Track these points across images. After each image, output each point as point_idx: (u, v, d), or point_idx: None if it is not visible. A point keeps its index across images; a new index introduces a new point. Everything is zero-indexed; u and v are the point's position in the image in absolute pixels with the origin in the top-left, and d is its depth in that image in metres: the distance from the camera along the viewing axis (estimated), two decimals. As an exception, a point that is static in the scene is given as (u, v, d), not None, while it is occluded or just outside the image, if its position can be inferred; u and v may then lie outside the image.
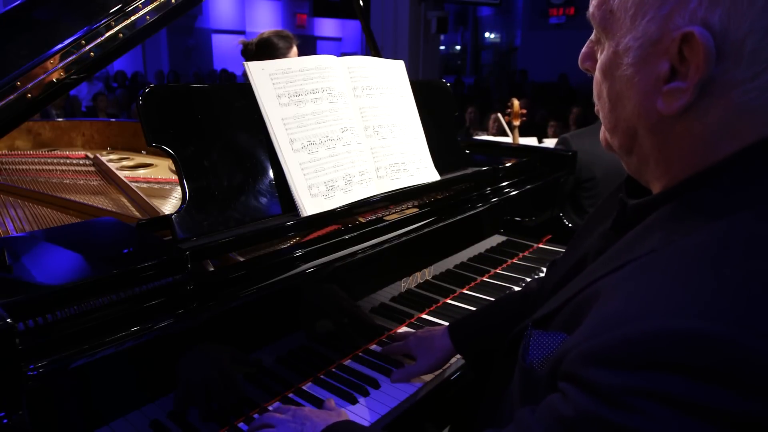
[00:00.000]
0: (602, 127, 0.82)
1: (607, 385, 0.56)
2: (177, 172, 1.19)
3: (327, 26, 18.42)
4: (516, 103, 3.38)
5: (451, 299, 1.66)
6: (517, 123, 3.38)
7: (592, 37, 0.78)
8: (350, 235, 1.32)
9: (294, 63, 1.41)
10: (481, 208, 1.72)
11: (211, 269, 1.14)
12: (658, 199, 0.72)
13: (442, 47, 15.54)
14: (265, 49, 2.68)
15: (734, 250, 0.59)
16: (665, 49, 0.64)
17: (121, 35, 1.49)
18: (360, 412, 1.15)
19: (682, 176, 0.69)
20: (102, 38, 1.45)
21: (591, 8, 0.74)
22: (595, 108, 0.82)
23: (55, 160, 2.15)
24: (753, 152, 0.64)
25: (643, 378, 0.54)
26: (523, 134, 4.48)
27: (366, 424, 1.12)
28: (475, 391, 1.28)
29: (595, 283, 0.71)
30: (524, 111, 3.43)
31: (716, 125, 0.65)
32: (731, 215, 0.62)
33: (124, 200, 1.71)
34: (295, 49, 2.75)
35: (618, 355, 0.56)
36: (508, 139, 3.61)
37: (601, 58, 0.74)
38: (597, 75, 0.76)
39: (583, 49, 0.80)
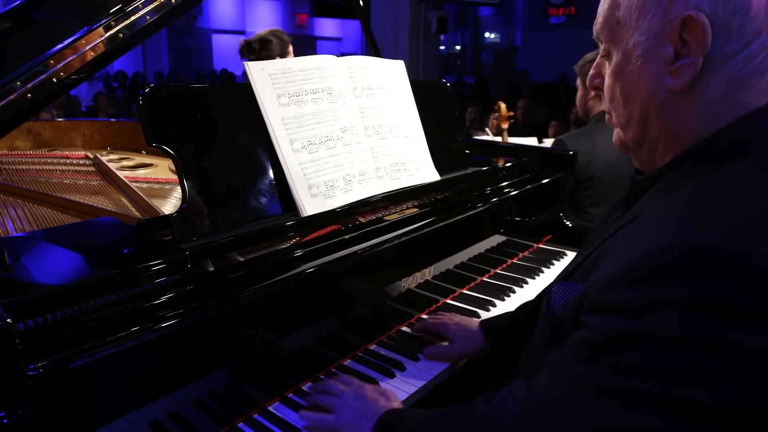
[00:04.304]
0: (615, 130, 0.91)
1: (624, 301, 0.66)
2: (177, 172, 1.19)
3: (327, 26, 18.42)
4: (503, 106, 3.37)
5: (451, 299, 1.66)
6: (505, 126, 3.37)
7: (598, 59, 0.91)
8: (350, 235, 1.32)
9: (294, 63, 1.41)
10: (481, 208, 1.72)
11: (211, 269, 1.14)
12: (665, 169, 0.82)
13: (442, 47, 15.55)
14: (262, 50, 2.70)
15: (731, 186, 0.70)
16: (668, 35, 0.76)
17: (121, 35, 1.49)
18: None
19: (686, 147, 0.80)
20: (102, 38, 1.45)
21: (597, 26, 0.86)
22: (606, 117, 0.93)
23: (55, 160, 2.15)
24: (747, 121, 0.75)
25: (657, 288, 0.63)
26: (523, 134, 4.48)
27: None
28: (492, 379, 1.31)
29: (609, 238, 0.81)
30: (512, 113, 3.43)
31: (716, 96, 0.76)
32: (728, 166, 0.73)
33: (124, 200, 1.71)
34: (291, 48, 2.79)
35: (632, 274, 0.66)
36: (498, 140, 3.62)
37: (610, 66, 0.85)
38: (608, 82, 0.87)
39: (591, 71, 0.92)
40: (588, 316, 0.71)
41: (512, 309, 1.32)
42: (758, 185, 0.69)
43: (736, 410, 0.60)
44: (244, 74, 1.33)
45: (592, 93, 2.63)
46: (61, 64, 1.38)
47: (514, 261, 1.94)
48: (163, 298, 0.98)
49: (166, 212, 1.50)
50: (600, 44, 0.89)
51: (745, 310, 0.60)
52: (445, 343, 1.35)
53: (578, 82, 2.74)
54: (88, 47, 1.42)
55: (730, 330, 0.60)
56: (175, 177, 1.95)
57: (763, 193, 0.68)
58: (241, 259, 1.19)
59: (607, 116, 0.93)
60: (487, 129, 4.01)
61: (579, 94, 2.77)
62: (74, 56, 1.40)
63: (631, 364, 0.65)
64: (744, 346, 0.59)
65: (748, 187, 0.69)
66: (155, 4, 1.53)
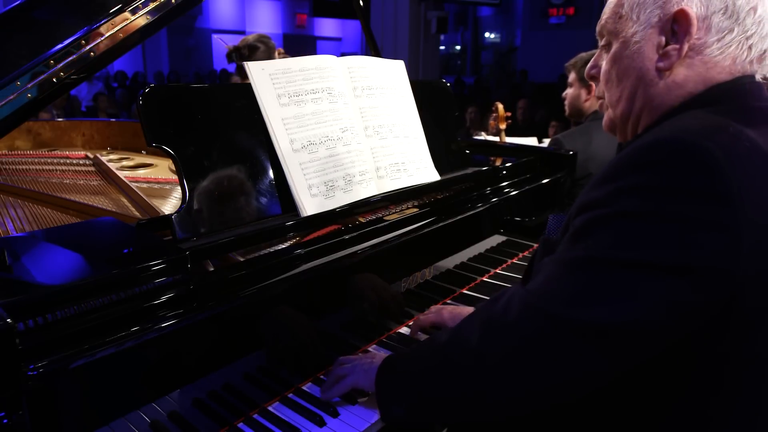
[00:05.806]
0: (606, 113, 1.06)
1: (598, 197, 0.83)
2: (177, 172, 1.19)
3: (327, 26, 18.41)
4: (500, 106, 3.36)
5: (451, 299, 1.66)
6: (503, 126, 3.35)
7: (597, 53, 1.07)
8: (350, 235, 1.32)
9: (294, 63, 1.41)
10: (481, 208, 1.72)
11: (211, 269, 1.14)
12: (645, 132, 0.97)
13: (442, 47, 15.55)
14: (251, 55, 2.71)
15: (687, 117, 0.88)
16: (662, 26, 0.94)
17: (121, 35, 1.48)
18: (358, 412, 1.15)
19: (661, 115, 0.96)
20: (102, 38, 1.45)
21: (602, 22, 1.02)
22: (599, 103, 1.07)
23: (55, 160, 2.15)
24: (710, 89, 0.92)
25: (622, 180, 0.81)
26: (522, 134, 4.47)
27: (366, 424, 1.12)
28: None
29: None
30: (509, 114, 3.41)
31: (692, 75, 0.93)
32: (688, 111, 0.90)
33: (124, 200, 1.71)
34: (276, 55, 2.81)
35: (603, 176, 0.84)
36: (496, 140, 3.60)
37: (609, 55, 1.01)
38: (605, 67, 1.03)
39: (590, 63, 1.08)
40: (572, 222, 0.87)
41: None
42: (709, 118, 0.86)
43: (679, 269, 0.76)
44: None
45: (593, 92, 2.65)
46: (61, 64, 1.38)
47: (514, 261, 1.94)
48: (163, 298, 0.98)
49: (166, 212, 1.50)
50: (600, 40, 1.04)
51: (690, 188, 0.76)
52: None
53: (572, 79, 2.71)
54: (88, 47, 1.42)
55: (677, 204, 0.76)
56: (175, 177, 1.95)
57: (712, 120, 0.85)
58: (241, 259, 1.19)
59: (599, 102, 1.09)
60: (482, 133, 4.00)
61: (571, 92, 2.73)
62: (74, 56, 1.40)
63: (600, 239, 0.81)
64: (688, 216, 0.75)
65: (701, 117, 0.87)
66: (155, 4, 1.53)
